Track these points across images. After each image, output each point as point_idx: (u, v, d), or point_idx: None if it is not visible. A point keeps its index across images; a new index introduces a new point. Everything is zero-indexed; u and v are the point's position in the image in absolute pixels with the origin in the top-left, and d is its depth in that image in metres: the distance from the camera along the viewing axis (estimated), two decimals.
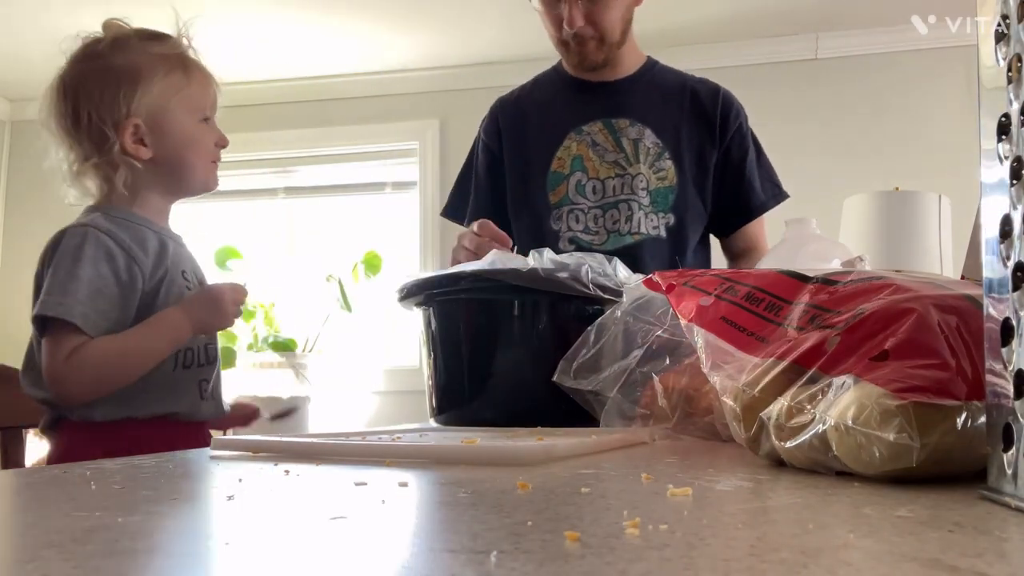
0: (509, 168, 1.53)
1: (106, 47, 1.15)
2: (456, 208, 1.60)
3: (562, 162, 1.47)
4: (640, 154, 1.45)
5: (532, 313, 0.99)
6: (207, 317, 1.14)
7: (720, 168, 1.49)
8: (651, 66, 1.56)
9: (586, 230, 1.44)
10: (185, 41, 1.21)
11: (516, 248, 1.50)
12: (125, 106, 1.12)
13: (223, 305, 1.15)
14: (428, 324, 1.04)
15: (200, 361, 1.21)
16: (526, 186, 1.50)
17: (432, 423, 1.05)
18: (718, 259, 1.60)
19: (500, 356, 0.99)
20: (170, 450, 0.97)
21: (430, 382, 1.05)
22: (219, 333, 1.24)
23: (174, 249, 1.19)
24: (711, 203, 1.50)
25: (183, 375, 1.18)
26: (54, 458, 1.13)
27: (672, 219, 1.45)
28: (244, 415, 1.34)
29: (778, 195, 1.55)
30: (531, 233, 1.48)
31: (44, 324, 1.06)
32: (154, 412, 1.13)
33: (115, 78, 1.13)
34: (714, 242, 1.59)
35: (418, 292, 1.03)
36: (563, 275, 0.93)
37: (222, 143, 1.23)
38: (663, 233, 1.44)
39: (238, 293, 1.17)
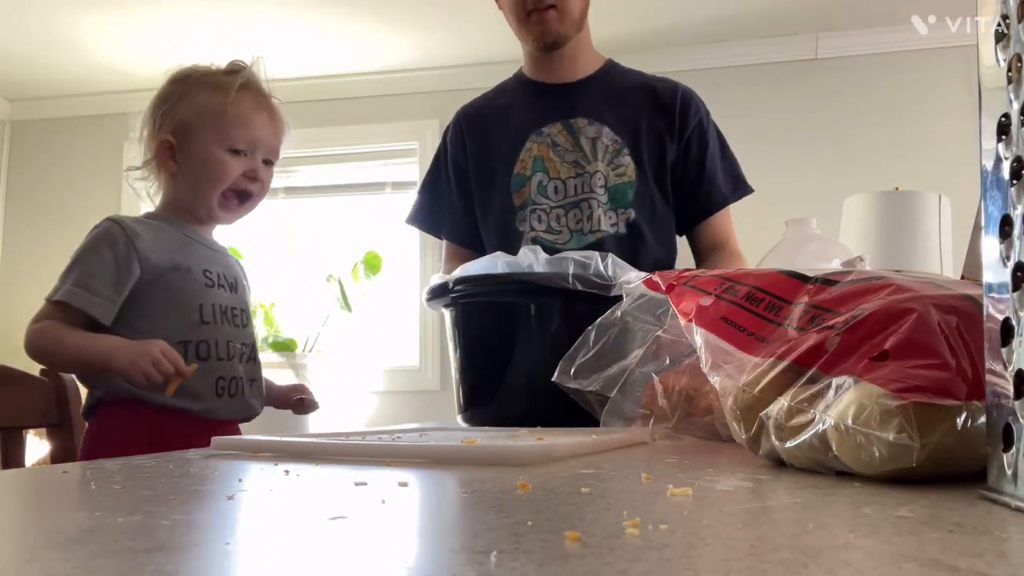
0: (474, 175, 1.56)
1: (186, 73, 1.29)
2: (426, 220, 1.64)
3: (524, 164, 1.49)
4: (598, 152, 1.46)
5: (562, 314, 1.00)
6: (123, 360, 1.12)
7: (680, 163, 1.49)
8: (610, 67, 1.57)
9: (548, 230, 1.46)
10: (262, 76, 1.31)
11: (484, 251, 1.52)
12: (160, 121, 1.25)
13: (138, 360, 1.11)
14: (456, 324, 1.06)
15: (219, 355, 1.24)
16: (491, 189, 1.52)
17: (459, 421, 1.07)
18: (685, 257, 1.58)
19: (526, 356, 1.01)
20: (186, 447, 0.97)
21: (457, 380, 1.07)
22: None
23: (201, 251, 1.28)
24: (673, 198, 1.50)
25: (198, 369, 1.19)
26: (85, 441, 1.22)
27: (632, 214, 1.45)
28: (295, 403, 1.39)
29: (740, 188, 1.55)
30: (498, 235, 1.50)
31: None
32: (163, 403, 1.17)
33: (166, 98, 1.27)
34: (682, 243, 1.59)
35: (446, 293, 1.05)
36: (595, 278, 0.96)
37: (251, 175, 1.26)
38: (623, 229, 1.45)
39: (165, 358, 1.12)
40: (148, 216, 1.30)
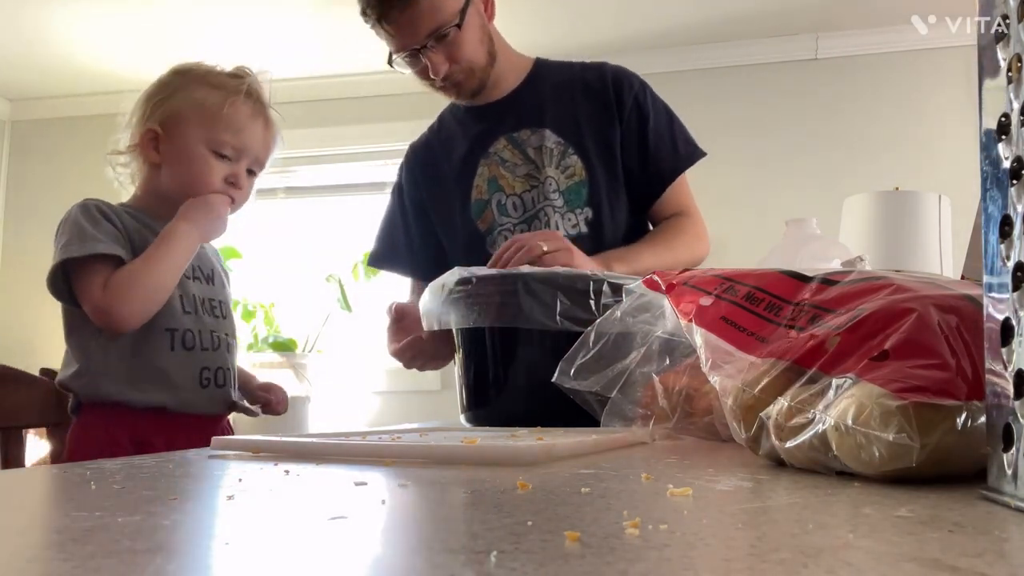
0: (434, 212, 1.55)
1: (189, 67, 1.26)
2: (388, 258, 1.62)
3: (479, 189, 1.48)
4: (545, 158, 1.44)
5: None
6: (205, 221, 1.19)
7: (624, 144, 1.46)
8: (539, 68, 1.54)
9: None
10: (266, 87, 1.28)
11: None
12: (151, 110, 1.22)
13: (214, 207, 1.19)
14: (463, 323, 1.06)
15: (204, 345, 1.21)
16: (452, 223, 1.51)
17: (462, 420, 1.08)
18: None
19: (533, 355, 1.01)
20: (170, 448, 0.96)
21: (461, 380, 1.07)
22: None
23: None
24: (624, 183, 1.47)
25: (182, 359, 1.17)
26: (68, 443, 1.17)
27: (590, 212, 1.43)
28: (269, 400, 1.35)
29: (689, 156, 1.50)
30: (470, 262, 1.49)
31: (72, 272, 1.12)
32: (148, 401, 1.14)
33: (163, 87, 1.24)
34: None
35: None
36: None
37: (232, 179, 1.23)
38: (584, 228, 1.43)
39: (216, 202, 1.21)
40: (120, 205, 1.24)
